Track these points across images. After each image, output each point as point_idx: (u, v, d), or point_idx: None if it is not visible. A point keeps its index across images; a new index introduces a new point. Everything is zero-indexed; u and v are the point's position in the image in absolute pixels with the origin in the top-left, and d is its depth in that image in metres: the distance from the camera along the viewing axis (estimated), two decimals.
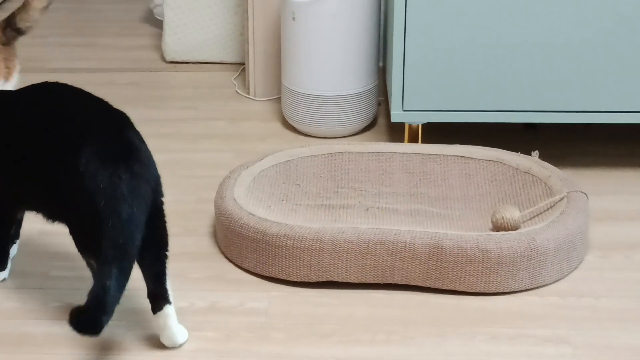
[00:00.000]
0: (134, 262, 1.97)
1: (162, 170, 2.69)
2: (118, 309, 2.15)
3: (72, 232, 2.08)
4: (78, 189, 1.98)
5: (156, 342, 2.12)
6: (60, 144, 2.04)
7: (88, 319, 1.90)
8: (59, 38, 4.13)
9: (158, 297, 2.09)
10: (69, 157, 2.00)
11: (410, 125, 2.89)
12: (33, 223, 2.23)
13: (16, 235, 2.39)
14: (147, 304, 2.09)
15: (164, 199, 2.08)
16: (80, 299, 2.21)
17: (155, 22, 4.16)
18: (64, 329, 2.14)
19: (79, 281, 2.28)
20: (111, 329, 2.12)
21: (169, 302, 2.09)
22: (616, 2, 2.69)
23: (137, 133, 2.10)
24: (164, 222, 2.10)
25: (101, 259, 1.93)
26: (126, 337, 2.13)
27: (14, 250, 2.40)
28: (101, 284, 1.91)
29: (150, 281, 2.09)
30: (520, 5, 2.71)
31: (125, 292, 2.18)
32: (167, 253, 2.10)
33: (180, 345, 2.11)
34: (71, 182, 2.00)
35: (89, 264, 2.11)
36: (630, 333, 2.15)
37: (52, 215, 2.12)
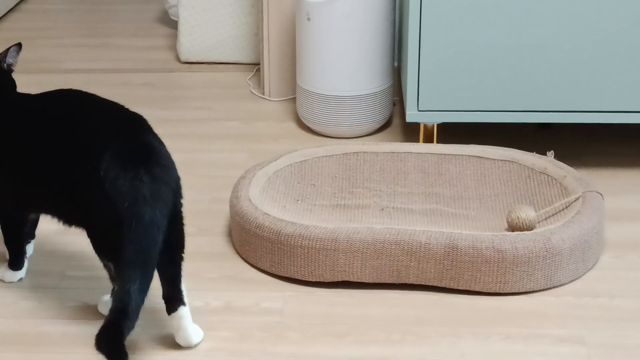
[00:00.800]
0: (155, 265, 1.97)
1: (177, 170, 2.69)
2: None
3: (90, 236, 2.08)
4: (98, 195, 1.98)
5: (171, 342, 2.12)
6: (79, 150, 2.04)
7: (113, 331, 1.90)
8: (74, 39, 4.14)
9: (173, 299, 2.10)
10: (89, 163, 2.00)
11: (425, 125, 2.88)
12: (49, 223, 2.24)
13: (32, 235, 2.40)
14: (162, 303, 2.10)
15: (182, 201, 2.09)
16: (97, 299, 2.23)
17: (170, 23, 4.17)
18: (81, 328, 2.16)
19: (95, 281, 2.29)
20: None
21: (184, 304, 2.10)
22: (631, 2, 2.68)
23: (156, 135, 2.10)
24: (182, 224, 2.10)
25: (123, 263, 1.93)
26: (142, 337, 2.14)
27: (29, 249, 2.41)
28: (125, 288, 1.91)
29: (166, 283, 2.09)
30: (535, 6, 2.70)
31: None
32: (182, 255, 2.10)
33: (195, 346, 2.12)
34: (91, 187, 2.00)
35: (106, 266, 2.12)
36: None
37: (69, 219, 2.13)
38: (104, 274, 2.13)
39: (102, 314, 2.19)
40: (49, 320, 2.21)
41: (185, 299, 2.10)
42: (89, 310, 2.23)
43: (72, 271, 2.39)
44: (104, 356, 1.91)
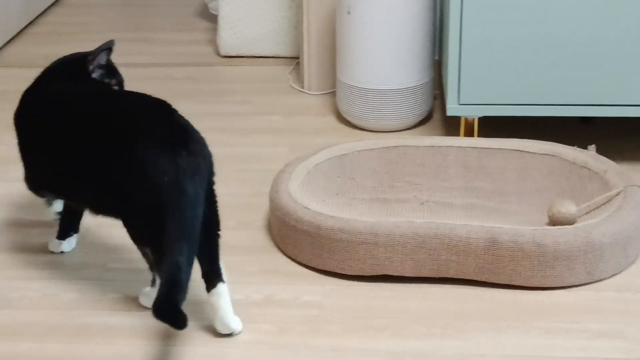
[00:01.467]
0: (198, 238, 2.00)
1: (216, 164, 2.71)
2: None
3: (126, 224, 2.11)
4: (137, 177, 2.02)
5: (212, 333, 2.13)
6: (114, 137, 2.08)
7: (168, 301, 1.93)
8: (115, 34, 4.14)
9: (211, 276, 2.12)
10: (125, 149, 2.04)
11: (466, 119, 2.88)
12: (89, 217, 2.26)
13: (75, 228, 2.43)
14: (204, 295, 2.11)
15: (215, 179, 2.12)
16: (138, 290, 2.25)
17: (210, 17, 4.19)
18: (122, 320, 2.18)
19: (136, 273, 2.30)
20: None
21: (222, 281, 2.11)
22: None
23: (182, 116, 2.15)
24: (216, 200, 2.13)
25: (169, 237, 1.96)
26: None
27: (72, 243, 2.43)
28: (174, 261, 1.94)
29: (204, 260, 2.11)
30: None
31: None
32: (219, 232, 2.13)
33: (234, 333, 2.12)
34: (128, 173, 2.03)
35: (144, 255, 2.14)
36: None
37: (101, 208, 2.18)
38: (144, 266, 2.15)
39: (143, 306, 2.20)
40: (91, 312, 2.23)
41: (224, 277, 2.11)
42: (131, 302, 2.24)
43: (114, 263, 2.41)
44: (166, 322, 1.93)
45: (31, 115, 2.30)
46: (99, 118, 2.14)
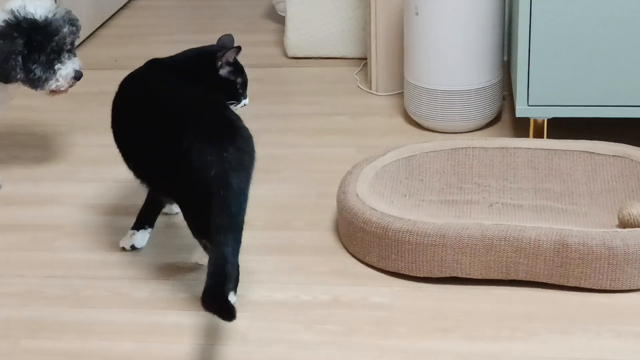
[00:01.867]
0: (243, 230, 2.07)
1: (285, 164, 2.72)
2: (242, 301, 2.19)
3: (185, 216, 2.19)
4: (186, 169, 2.09)
5: (280, 334, 2.14)
6: (165, 126, 2.17)
7: (215, 293, 1.98)
8: (184, 35, 4.20)
9: None
10: (175, 138, 2.13)
11: (535, 120, 2.85)
12: (161, 218, 2.29)
13: (151, 222, 2.50)
14: (272, 295, 2.13)
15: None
16: None
17: (277, 18, 4.21)
18: (191, 319, 2.20)
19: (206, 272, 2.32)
20: (235, 322, 2.16)
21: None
22: None
23: (233, 112, 2.22)
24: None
25: (215, 229, 2.02)
26: (250, 328, 2.17)
27: (145, 238, 2.47)
28: (219, 252, 2.00)
29: None
30: None
31: (249, 284, 2.21)
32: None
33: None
34: (179, 162, 2.11)
35: (205, 248, 2.17)
36: None
37: (169, 195, 2.30)
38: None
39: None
40: (161, 311, 2.25)
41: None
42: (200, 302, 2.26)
43: (184, 263, 2.43)
44: (213, 313, 1.98)
45: (116, 98, 2.41)
46: (157, 109, 2.23)
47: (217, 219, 2.04)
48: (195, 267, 2.39)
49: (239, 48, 2.40)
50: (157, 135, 2.20)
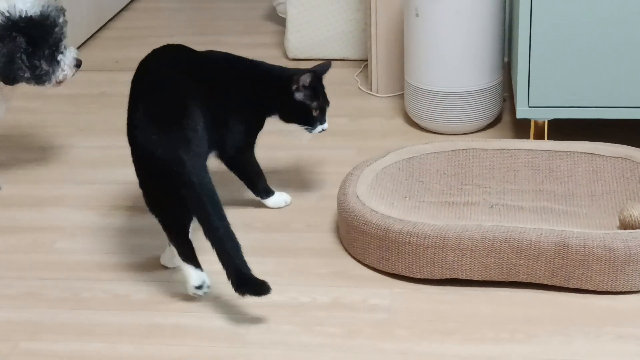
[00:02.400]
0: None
1: (285, 166, 2.71)
2: (241, 302, 2.18)
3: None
4: (136, 154, 2.28)
5: (279, 336, 2.14)
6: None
7: (241, 276, 2.12)
8: (184, 37, 4.19)
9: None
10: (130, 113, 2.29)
11: (536, 122, 2.85)
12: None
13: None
14: (271, 297, 2.12)
15: None
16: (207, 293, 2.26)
17: (277, 20, 4.20)
18: (191, 321, 2.20)
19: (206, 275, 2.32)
20: (235, 323, 2.16)
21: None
22: None
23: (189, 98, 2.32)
24: None
25: (198, 218, 2.17)
26: (250, 330, 2.16)
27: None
28: (216, 237, 2.14)
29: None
30: None
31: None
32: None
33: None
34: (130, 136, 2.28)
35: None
36: None
37: None
38: (214, 268, 2.16)
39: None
40: (161, 313, 2.25)
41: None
42: (199, 303, 2.26)
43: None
44: (251, 295, 2.10)
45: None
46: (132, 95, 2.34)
47: (192, 211, 2.14)
48: None
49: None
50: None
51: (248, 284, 2.10)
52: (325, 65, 2.60)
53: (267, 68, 2.59)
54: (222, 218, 2.13)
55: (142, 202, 2.30)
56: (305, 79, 2.49)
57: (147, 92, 2.30)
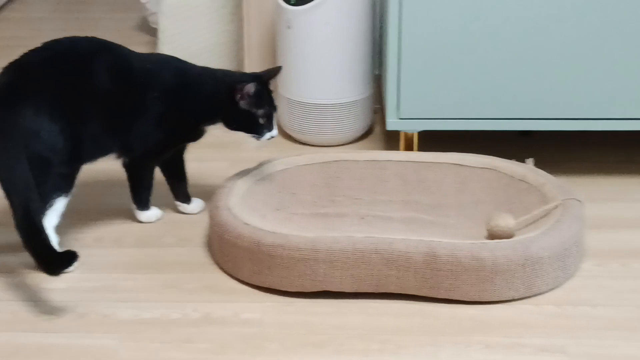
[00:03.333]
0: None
1: (156, 179, 2.68)
2: (110, 320, 2.14)
3: None
4: None
5: (149, 355, 2.10)
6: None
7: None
8: None
9: None
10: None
11: (405, 133, 2.88)
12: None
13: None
14: (141, 314, 2.08)
15: None
16: (74, 309, 2.21)
17: (149, 31, 4.16)
18: (57, 340, 2.14)
19: (75, 292, 2.27)
20: (104, 342, 2.12)
21: None
22: (612, 9, 2.68)
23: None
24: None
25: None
26: (119, 349, 2.12)
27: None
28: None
29: None
30: (516, 13, 2.70)
31: (117, 303, 2.15)
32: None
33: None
34: None
35: None
36: (628, 342, 2.13)
37: None
38: (83, 285, 2.12)
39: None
40: (25, 333, 2.18)
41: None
42: (65, 323, 2.21)
43: (47, 283, 2.36)
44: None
45: None
46: None
47: None
48: (62, 287, 2.33)
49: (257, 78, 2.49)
50: None
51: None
52: (273, 70, 2.53)
53: (209, 73, 2.51)
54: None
55: (3, 218, 2.25)
56: (250, 89, 2.41)
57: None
